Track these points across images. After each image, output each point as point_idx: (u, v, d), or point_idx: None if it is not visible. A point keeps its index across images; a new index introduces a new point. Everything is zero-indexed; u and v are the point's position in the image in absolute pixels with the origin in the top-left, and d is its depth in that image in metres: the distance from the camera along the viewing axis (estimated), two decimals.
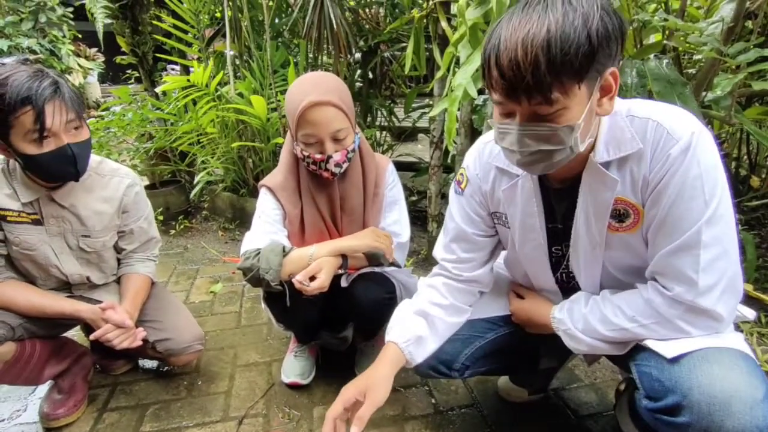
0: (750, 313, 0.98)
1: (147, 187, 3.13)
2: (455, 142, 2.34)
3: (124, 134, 3.06)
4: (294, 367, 1.56)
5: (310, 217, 1.39)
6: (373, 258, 1.36)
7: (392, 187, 1.48)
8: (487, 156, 1.06)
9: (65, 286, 1.42)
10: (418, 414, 1.42)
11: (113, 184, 1.40)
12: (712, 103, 1.66)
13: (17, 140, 1.14)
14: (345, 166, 1.31)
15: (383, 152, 3.25)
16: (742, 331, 0.97)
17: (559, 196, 0.99)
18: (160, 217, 3.04)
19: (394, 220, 1.47)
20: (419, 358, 1.10)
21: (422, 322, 1.13)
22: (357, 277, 1.38)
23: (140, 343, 1.33)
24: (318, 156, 1.26)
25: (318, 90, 1.21)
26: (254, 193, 2.84)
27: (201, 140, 2.84)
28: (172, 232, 3.01)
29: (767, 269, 1.95)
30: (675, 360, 0.85)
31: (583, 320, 0.97)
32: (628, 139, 0.85)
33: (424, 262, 2.46)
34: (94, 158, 1.37)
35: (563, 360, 1.37)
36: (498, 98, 0.80)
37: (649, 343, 0.90)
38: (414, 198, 3.20)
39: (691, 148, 0.80)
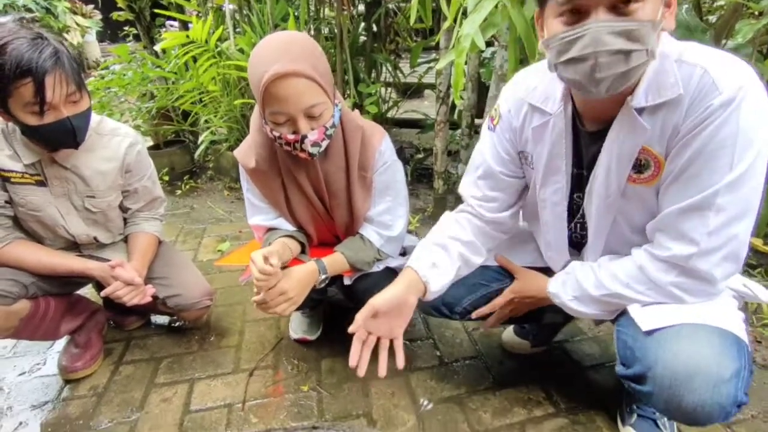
0: (765, 295, 0.94)
1: (151, 148, 3.11)
2: (462, 97, 2.28)
3: (125, 94, 3.02)
4: (301, 324, 1.60)
5: (297, 198, 1.27)
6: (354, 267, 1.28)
7: (384, 170, 1.26)
8: (522, 92, 1.01)
9: (73, 246, 1.44)
10: (423, 366, 1.46)
11: (114, 144, 1.38)
12: (732, 52, 1.58)
13: (16, 109, 1.12)
14: (325, 144, 1.13)
15: (388, 109, 3.18)
16: (746, 312, 0.94)
17: (590, 139, 0.94)
18: (166, 178, 3.04)
19: (386, 209, 1.29)
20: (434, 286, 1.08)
21: (441, 253, 1.11)
22: (360, 276, 1.32)
23: (150, 299, 1.36)
24: (291, 137, 1.07)
25: (284, 57, 1.00)
26: None
27: (203, 99, 2.80)
28: (178, 192, 3.02)
29: None
30: (649, 333, 0.87)
31: (579, 288, 0.98)
32: (671, 84, 0.79)
33: (429, 219, 2.45)
34: (94, 118, 1.34)
35: (568, 317, 1.38)
36: None
37: (631, 312, 0.91)
38: (420, 155, 3.16)
39: (734, 103, 0.74)
